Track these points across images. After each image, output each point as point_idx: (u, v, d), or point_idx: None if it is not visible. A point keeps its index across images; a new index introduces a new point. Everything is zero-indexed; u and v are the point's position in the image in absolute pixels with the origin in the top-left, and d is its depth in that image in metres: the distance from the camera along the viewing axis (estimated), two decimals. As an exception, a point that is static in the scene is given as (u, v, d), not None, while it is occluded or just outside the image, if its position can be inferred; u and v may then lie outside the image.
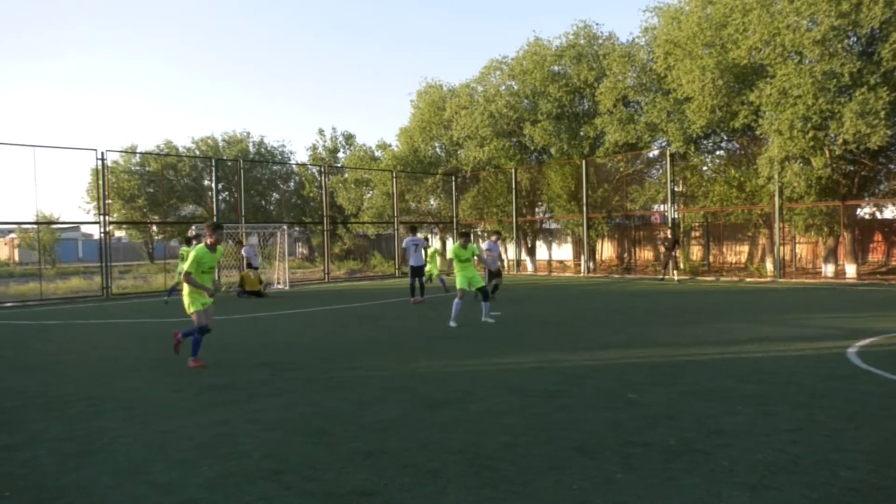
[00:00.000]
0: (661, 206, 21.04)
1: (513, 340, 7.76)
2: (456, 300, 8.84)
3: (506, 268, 25.40)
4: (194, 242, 12.08)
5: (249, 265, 15.33)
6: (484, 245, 12.14)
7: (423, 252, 11.93)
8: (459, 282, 8.76)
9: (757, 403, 4.79)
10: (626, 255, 24.21)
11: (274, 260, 18.45)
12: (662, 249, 17.77)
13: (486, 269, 11.93)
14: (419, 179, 26.19)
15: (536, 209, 24.74)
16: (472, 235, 19.52)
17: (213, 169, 19.00)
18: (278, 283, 17.96)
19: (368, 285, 18.82)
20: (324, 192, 21.85)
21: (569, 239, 24.84)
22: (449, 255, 8.88)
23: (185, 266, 6.50)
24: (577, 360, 6.41)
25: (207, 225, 6.54)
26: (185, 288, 6.55)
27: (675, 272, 17.15)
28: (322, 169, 23.21)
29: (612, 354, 6.68)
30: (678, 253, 17.86)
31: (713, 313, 9.76)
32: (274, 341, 8.07)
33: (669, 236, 17.01)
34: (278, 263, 17.91)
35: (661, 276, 17.49)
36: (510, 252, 26.13)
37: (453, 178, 25.34)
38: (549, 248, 26.23)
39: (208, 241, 6.54)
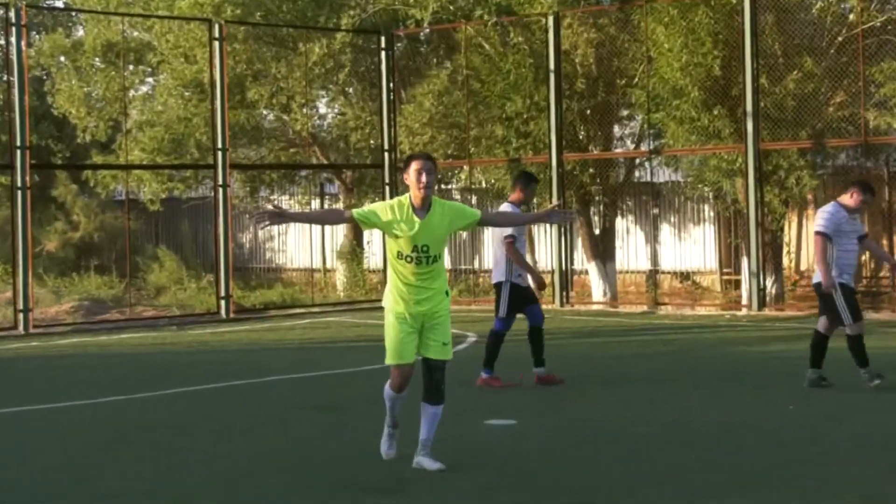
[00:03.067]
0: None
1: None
2: (387, 390, 9.21)
3: (542, 294, 25.36)
4: None
5: None
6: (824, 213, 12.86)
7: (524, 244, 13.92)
8: (390, 339, 9.12)
9: None
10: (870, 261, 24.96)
11: None
12: None
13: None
14: (286, 47, 27.08)
15: (616, 129, 25.21)
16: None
17: None
18: None
19: (146, 342, 19.53)
20: (14, 77, 21.74)
21: (706, 211, 25.31)
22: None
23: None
24: None
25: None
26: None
27: None
28: (7, 15, 22.52)
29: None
30: None
31: None
32: None
33: None
34: None
35: None
36: (544, 248, 26.83)
37: (380, 42, 25.88)
38: (651, 239, 27.04)
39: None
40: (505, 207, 12.88)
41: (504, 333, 13.51)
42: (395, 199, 8.64)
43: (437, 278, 8.75)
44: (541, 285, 12.93)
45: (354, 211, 8.68)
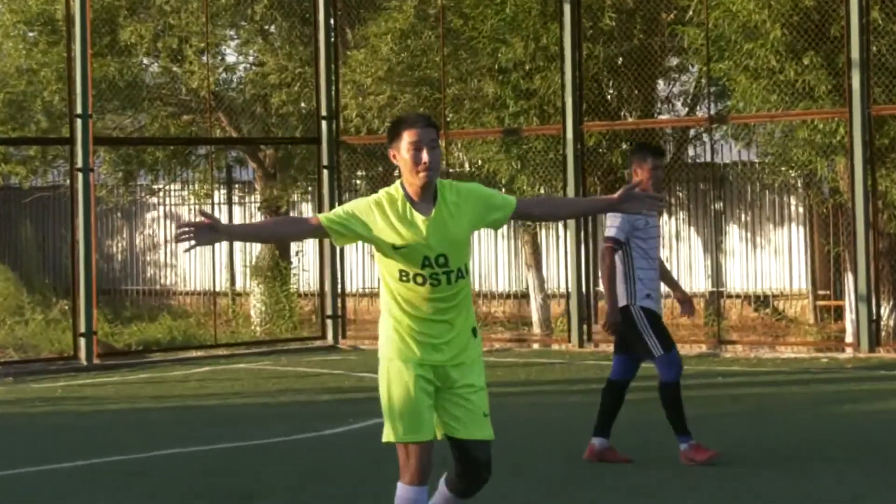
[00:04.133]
0: None
1: None
2: (402, 494, 8.36)
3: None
4: None
5: None
6: None
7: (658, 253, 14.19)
8: (396, 401, 8.30)
9: None
10: None
11: None
12: None
13: None
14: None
15: (660, 86, 25.82)
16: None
17: None
18: None
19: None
20: None
21: (793, 206, 26.51)
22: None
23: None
24: None
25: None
26: None
27: None
28: None
29: None
30: None
31: None
32: None
33: None
34: None
35: None
36: (554, 261, 28.29)
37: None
38: (713, 247, 27.95)
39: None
40: None
41: (677, 380, 13.36)
42: (382, 192, 7.83)
43: (463, 308, 7.93)
44: (609, 327, 13.05)
45: (322, 217, 7.81)
